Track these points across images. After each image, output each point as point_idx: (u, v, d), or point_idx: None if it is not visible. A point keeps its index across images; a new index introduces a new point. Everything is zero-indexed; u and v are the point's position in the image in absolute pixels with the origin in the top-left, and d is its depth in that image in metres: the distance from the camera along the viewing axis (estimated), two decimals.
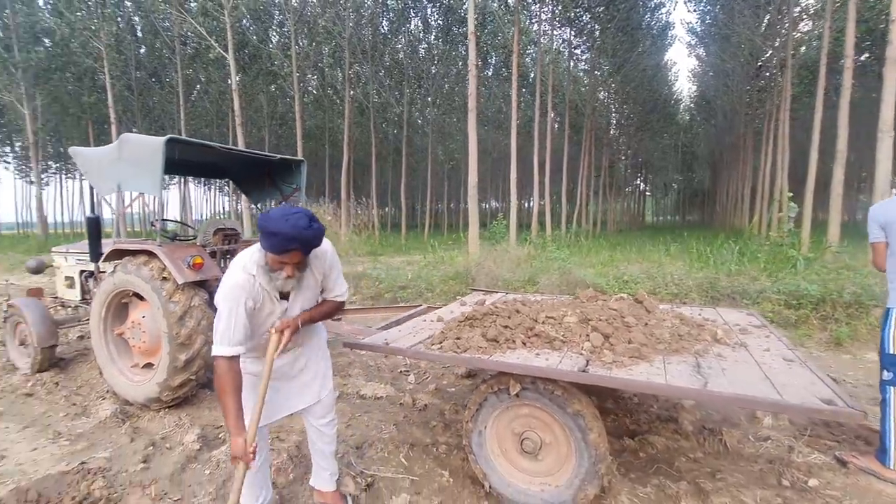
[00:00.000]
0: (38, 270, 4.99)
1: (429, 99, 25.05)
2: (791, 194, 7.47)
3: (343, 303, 2.10)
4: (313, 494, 2.25)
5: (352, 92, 21.58)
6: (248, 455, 1.65)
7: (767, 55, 19.38)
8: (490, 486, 2.25)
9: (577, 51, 23.06)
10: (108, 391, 3.68)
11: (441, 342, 2.34)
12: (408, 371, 4.24)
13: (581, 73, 26.04)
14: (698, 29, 26.28)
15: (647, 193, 64.46)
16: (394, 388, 3.82)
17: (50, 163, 35.06)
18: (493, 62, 25.96)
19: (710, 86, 29.43)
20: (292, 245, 1.64)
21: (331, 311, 2.06)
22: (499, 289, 5.19)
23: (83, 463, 2.65)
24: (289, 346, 1.89)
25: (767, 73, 20.14)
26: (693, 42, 28.13)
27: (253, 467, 1.82)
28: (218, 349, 1.71)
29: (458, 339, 2.32)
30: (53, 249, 4.98)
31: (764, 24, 18.58)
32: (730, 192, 30.89)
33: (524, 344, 2.27)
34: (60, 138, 28.78)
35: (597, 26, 21.00)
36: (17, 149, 32.87)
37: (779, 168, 14.40)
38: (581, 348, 2.19)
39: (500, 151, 34.22)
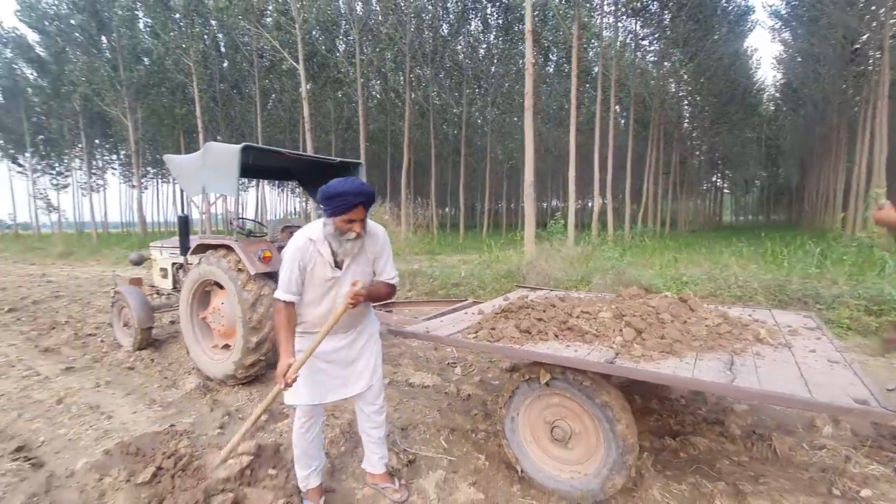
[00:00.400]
0: (138, 262, 5.75)
1: (488, 98, 25.08)
2: (882, 190, 6.73)
3: (395, 287, 2.27)
4: (365, 476, 2.46)
5: (412, 95, 22.18)
6: (283, 379, 1.93)
7: (863, 38, 17.37)
8: (522, 471, 2.37)
9: (644, 42, 22.05)
10: (193, 368, 4.21)
11: (477, 332, 2.49)
12: (455, 363, 4.42)
13: (649, 65, 24.82)
14: (783, 11, 24.05)
15: (726, 191, 59.88)
16: (440, 378, 4.02)
17: (148, 168, 39.32)
18: (555, 58, 25.49)
19: (797, 73, 26.80)
20: (358, 199, 1.91)
21: (385, 291, 2.22)
22: (549, 287, 5.20)
23: (172, 426, 3.11)
24: (345, 326, 2.15)
25: (863, 58, 18.05)
26: (777, 26, 25.77)
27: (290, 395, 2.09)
28: (278, 294, 2.05)
29: (492, 329, 2.46)
30: (151, 244, 5.72)
31: (860, 4, 16.67)
32: (820, 188, 27.97)
33: (556, 336, 2.36)
34: (157, 147, 32.23)
35: (666, 14, 19.96)
36: (121, 156, 37.22)
37: (875, 162, 12.89)
38: (612, 342, 2.24)
39: (562, 149, 33.40)
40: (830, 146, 24.34)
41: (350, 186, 1.92)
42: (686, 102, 28.16)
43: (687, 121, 29.31)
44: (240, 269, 3.73)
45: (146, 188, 43.71)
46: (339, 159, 4.60)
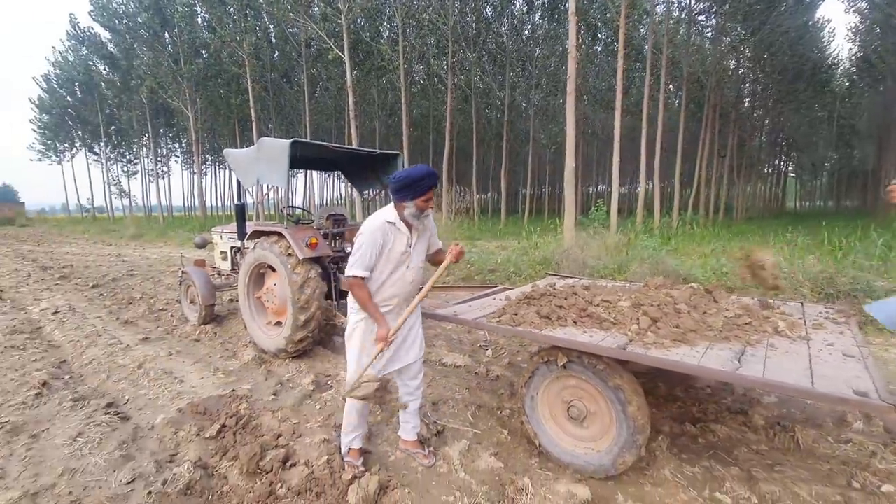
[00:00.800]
0: (202, 245, 6.33)
1: (532, 81, 24.61)
2: None
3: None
4: (399, 442, 2.75)
5: (455, 79, 22.15)
6: (386, 340, 2.26)
7: None
8: (540, 445, 2.56)
9: (701, 17, 20.76)
10: (249, 341, 4.67)
11: (500, 317, 2.68)
12: (486, 346, 4.64)
13: (705, 42, 23.33)
14: None
15: (791, 175, 55.63)
16: (471, 359, 4.25)
17: (207, 156, 41.71)
18: (603, 36, 24.53)
19: (875, 45, 24.32)
20: (433, 181, 2.26)
21: (440, 258, 2.57)
22: (580, 276, 5.27)
23: (233, 391, 3.53)
24: (407, 301, 2.47)
25: None
26: None
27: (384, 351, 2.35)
28: (355, 271, 2.28)
29: (515, 314, 2.64)
30: (212, 229, 6.28)
31: None
32: None
33: (575, 323, 2.51)
34: (214, 135, 34.18)
35: None
36: (183, 145, 39.72)
37: None
38: (628, 330, 2.36)
39: (609, 132, 32.26)
40: None
41: (426, 171, 2.26)
42: (747, 81, 26.33)
43: (747, 100, 27.40)
44: (289, 254, 4.09)
45: (205, 174, 46.48)
46: (379, 151, 4.86)
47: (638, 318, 2.42)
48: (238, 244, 5.52)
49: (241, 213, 5.26)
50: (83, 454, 2.68)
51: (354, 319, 2.44)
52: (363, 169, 5.30)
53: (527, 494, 2.21)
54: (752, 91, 27.59)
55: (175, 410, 3.20)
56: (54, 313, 6.06)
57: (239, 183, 5.07)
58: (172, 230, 21.69)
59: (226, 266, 6.02)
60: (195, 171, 33.79)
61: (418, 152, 32.20)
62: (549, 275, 4.55)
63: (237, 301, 5.86)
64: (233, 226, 5.87)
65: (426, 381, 3.63)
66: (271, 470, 2.48)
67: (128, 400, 3.51)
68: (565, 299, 2.73)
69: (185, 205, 47.57)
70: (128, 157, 38.87)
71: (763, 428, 2.87)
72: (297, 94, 25.39)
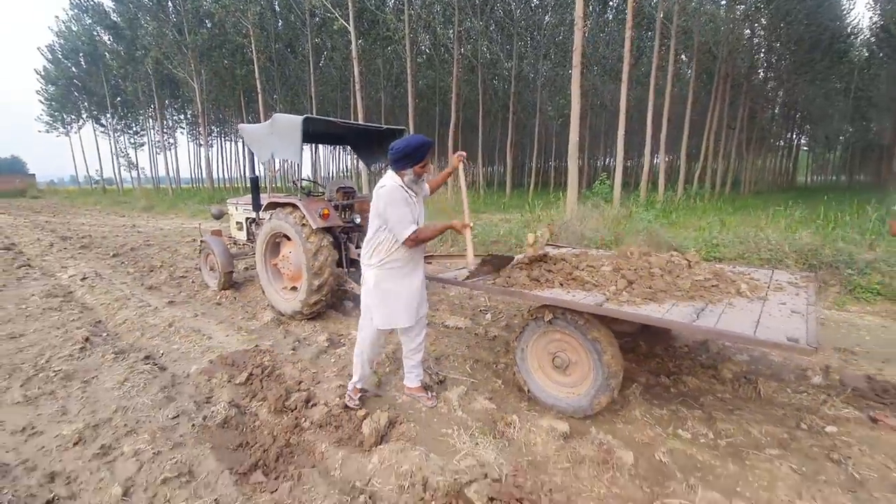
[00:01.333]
0: (219, 216, 6.67)
1: (540, 52, 24.21)
2: None
3: None
4: (405, 389, 3.12)
5: (461, 49, 21.86)
6: (465, 227, 2.73)
7: None
8: (529, 391, 2.92)
9: None
10: (267, 305, 5.05)
11: (495, 280, 3.00)
12: (486, 310, 4.99)
13: (719, 10, 22.70)
14: None
15: (804, 149, 54.60)
16: (472, 322, 4.61)
17: (213, 127, 41.67)
18: (614, 4, 23.95)
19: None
20: (428, 149, 2.59)
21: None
22: (580, 247, 5.55)
23: (257, 346, 3.92)
24: (416, 261, 2.83)
25: None
26: None
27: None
28: (404, 233, 2.54)
29: (509, 277, 2.96)
30: (227, 201, 6.59)
31: None
32: None
33: (561, 285, 2.83)
34: (220, 106, 34.05)
35: None
36: (188, 116, 39.65)
37: None
38: (606, 290, 2.68)
39: (618, 104, 31.81)
40: None
41: (421, 141, 2.58)
42: (761, 51, 25.69)
43: (760, 71, 26.80)
44: (303, 224, 4.41)
45: (211, 146, 46.52)
46: (385, 126, 5.09)
47: (616, 281, 2.73)
48: (253, 215, 5.84)
49: (255, 186, 5.56)
50: (131, 396, 3.09)
51: (371, 272, 2.74)
52: (370, 143, 5.54)
53: (514, 428, 2.58)
54: (767, 61, 26.95)
55: (207, 362, 3.60)
56: (82, 279, 6.48)
57: (252, 156, 5.36)
58: (182, 202, 22.08)
59: (241, 236, 6.36)
60: (201, 143, 33.94)
61: (424, 124, 31.98)
62: (546, 245, 4.83)
63: (253, 269, 6.24)
64: (247, 197, 6.18)
65: (429, 341, 4.01)
66: (296, 408, 2.88)
67: (162, 354, 3.92)
68: (555, 265, 3.04)
69: (192, 176, 47.81)
70: (134, 128, 38.91)
71: (730, 380, 3.21)
72: (302, 64, 25.18)
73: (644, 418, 2.73)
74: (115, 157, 36.93)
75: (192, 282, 6.37)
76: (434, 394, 3.02)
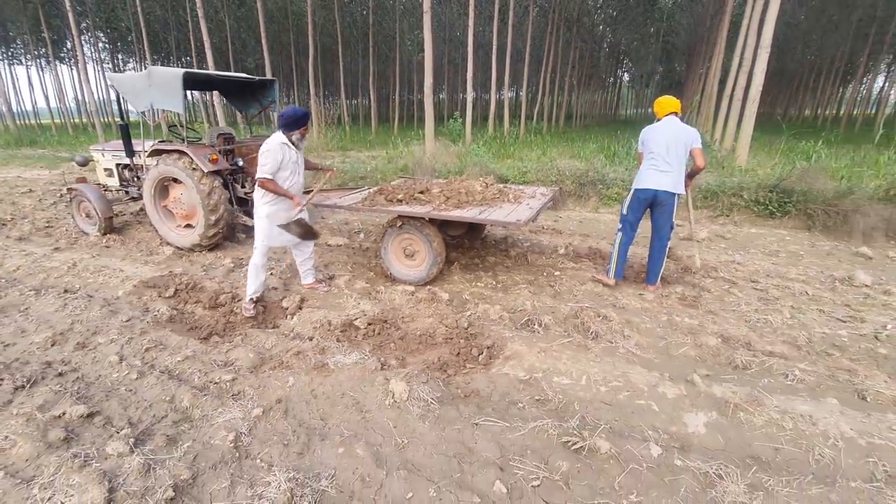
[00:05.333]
0: (84, 163, 6.66)
1: None
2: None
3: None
4: (304, 287, 4.41)
5: None
6: (299, 203, 3.72)
7: None
8: (391, 273, 4.49)
9: None
10: (162, 242, 5.70)
11: (363, 202, 4.39)
12: (359, 232, 6.38)
13: None
14: None
15: (629, 85, 63.70)
16: (349, 240, 5.98)
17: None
18: None
19: None
20: (308, 117, 3.73)
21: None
22: (426, 178, 7.13)
23: (171, 271, 4.78)
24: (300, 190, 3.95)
25: None
26: None
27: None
28: (266, 174, 3.59)
29: (372, 201, 4.38)
30: (91, 147, 6.60)
31: None
32: (706, 86, 31.58)
33: (406, 202, 4.34)
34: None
35: None
36: None
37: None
38: (433, 204, 4.27)
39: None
40: (713, 47, 27.24)
41: (304, 112, 3.70)
42: None
43: (586, 17, 30.47)
44: (194, 169, 5.14)
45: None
46: (257, 78, 5.82)
47: (440, 198, 4.34)
48: (125, 161, 6.14)
49: (126, 132, 5.87)
50: (78, 314, 3.86)
51: (262, 207, 3.88)
52: (243, 92, 6.18)
53: (381, 293, 4.16)
54: (594, 6, 30.63)
55: (130, 286, 4.40)
56: None
57: (122, 102, 5.66)
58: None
59: (112, 183, 6.55)
60: None
61: (278, 52, 29.72)
62: (401, 177, 6.31)
63: (128, 215, 6.60)
64: (115, 143, 6.39)
65: (317, 255, 5.31)
66: (225, 304, 4.02)
67: (79, 287, 4.53)
68: (404, 191, 4.53)
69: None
70: None
71: (513, 257, 5.21)
72: None
73: (458, 279, 4.53)
74: None
75: (66, 230, 6.46)
76: (327, 286, 4.41)
